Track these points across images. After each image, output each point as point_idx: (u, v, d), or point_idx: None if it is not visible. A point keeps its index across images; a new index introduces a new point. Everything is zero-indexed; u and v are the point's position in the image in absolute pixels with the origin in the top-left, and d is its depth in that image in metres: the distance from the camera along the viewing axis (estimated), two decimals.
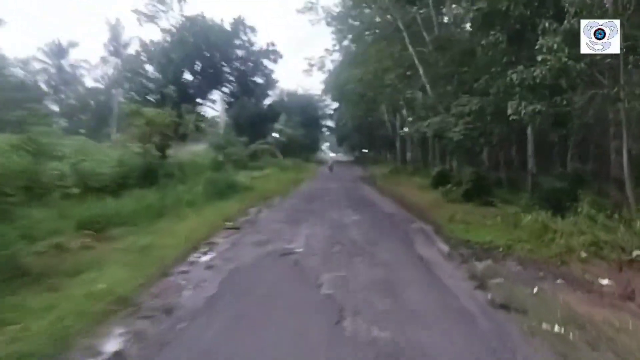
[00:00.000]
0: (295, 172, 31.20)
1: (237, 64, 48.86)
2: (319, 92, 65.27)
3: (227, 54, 46.98)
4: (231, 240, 8.93)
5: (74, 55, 55.93)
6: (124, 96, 41.60)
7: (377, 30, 25.09)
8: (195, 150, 22.85)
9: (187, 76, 45.92)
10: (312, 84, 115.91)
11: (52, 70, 48.93)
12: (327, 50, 43.87)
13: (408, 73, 23.01)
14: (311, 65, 44.38)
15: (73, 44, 50.15)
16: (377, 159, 53.24)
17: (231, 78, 47.84)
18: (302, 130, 54.14)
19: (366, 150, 63.01)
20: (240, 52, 49.54)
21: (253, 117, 36.39)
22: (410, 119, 34.26)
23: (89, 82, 52.51)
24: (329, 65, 44.13)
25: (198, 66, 45.56)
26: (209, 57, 45.35)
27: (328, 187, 21.78)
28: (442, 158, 30.45)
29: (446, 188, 17.39)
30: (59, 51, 49.01)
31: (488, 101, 12.59)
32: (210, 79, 44.74)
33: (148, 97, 37.56)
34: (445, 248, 8.29)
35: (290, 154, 48.05)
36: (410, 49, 20.02)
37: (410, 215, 12.57)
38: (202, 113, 18.10)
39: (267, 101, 42.19)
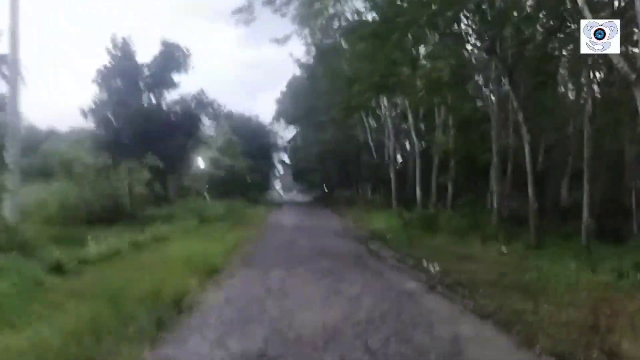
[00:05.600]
0: (223, 230, 15.69)
1: None
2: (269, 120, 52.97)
3: None
4: None
5: None
6: None
7: None
8: None
9: None
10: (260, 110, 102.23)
11: None
12: None
13: None
14: None
15: None
16: (352, 199, 37.99)
17: None
18: (248, 161, 39.14)
19: (328, 188, 48.83)
20: None
21: (149, 125, 19.27)
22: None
23: None
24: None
25: None
26: None
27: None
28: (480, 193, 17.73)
29: None
30: None
31: None
32: None
33: None
34: None
35: (231, 193, 32.72)
36: None
37: None
38: None
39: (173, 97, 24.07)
